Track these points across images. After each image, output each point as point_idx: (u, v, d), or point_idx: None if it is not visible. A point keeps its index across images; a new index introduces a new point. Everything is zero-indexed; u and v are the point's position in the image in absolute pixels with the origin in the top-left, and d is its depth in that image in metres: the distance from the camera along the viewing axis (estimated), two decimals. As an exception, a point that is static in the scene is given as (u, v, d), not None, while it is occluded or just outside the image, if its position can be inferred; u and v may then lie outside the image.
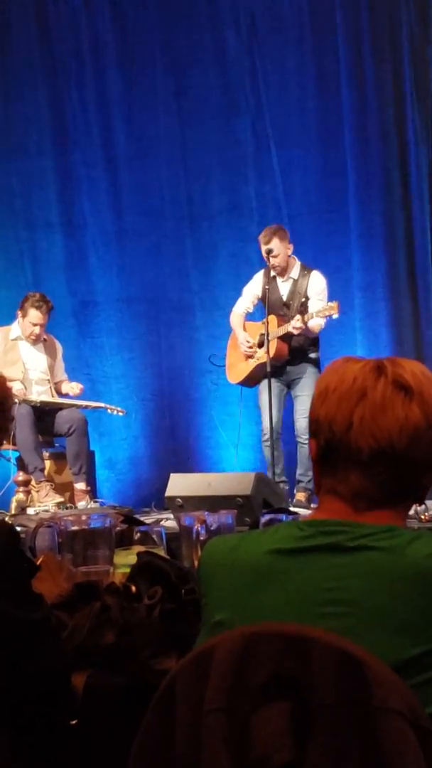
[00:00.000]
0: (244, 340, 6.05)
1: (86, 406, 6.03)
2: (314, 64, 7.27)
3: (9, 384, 1.94)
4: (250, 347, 6.02)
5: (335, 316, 5.70)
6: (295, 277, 5.97)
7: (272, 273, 5.95)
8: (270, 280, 5.94)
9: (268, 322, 5.76)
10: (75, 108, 7.19)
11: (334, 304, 5.68)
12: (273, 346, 5.75)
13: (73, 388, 6.08)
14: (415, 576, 1.26)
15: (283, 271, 5.94)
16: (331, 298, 5.85)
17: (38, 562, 2.11)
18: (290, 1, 7.27)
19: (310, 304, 5.86)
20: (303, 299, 5.91)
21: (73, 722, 1.70)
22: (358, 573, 1.29)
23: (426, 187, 7.19)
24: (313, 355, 5.94)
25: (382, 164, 7.20)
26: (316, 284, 5.94)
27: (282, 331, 5.80)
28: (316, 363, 5.93)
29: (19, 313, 6.01)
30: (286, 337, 5.83)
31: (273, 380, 5.79)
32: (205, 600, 1.41)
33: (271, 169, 7.23)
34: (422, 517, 4.32)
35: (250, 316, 6.20)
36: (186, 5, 7.27)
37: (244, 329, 6.13)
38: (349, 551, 1.31)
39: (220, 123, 7.27)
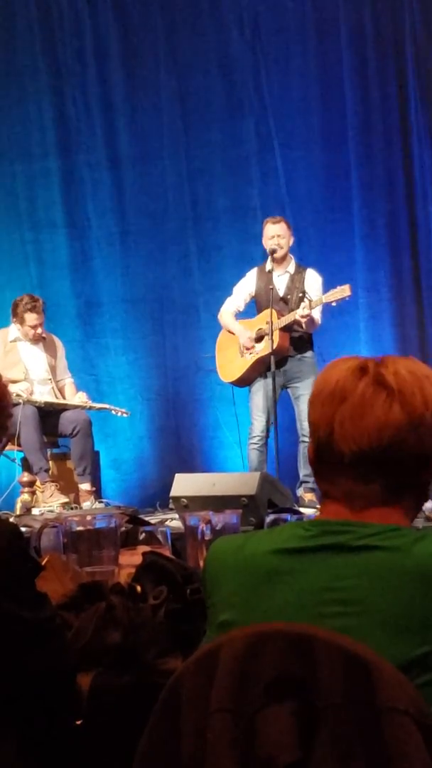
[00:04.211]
0: (246, 336, 6.02)
1: (90, 408, 6.02)
2: (318, 64, 7.28)
3: (5, 382, 1.94)
4: (252, 339, 5.98)
5: (347, 297, 5.69)
6: (292, 272, 5.99)
7: (267, 268, 5.95)
8: (265, 276, 5.95)
9: (272, 316, 5.74)
10: (79, 110, 7.19)
11: (345, 286, 5.68)
12: (275, 338, 5.75)
13: (81, 401, 6.02)
14: (420, 575, 1.26)
15: (281, 261, 5.94)
16: None
17: (43, 563, 2.11)
18: (294, 1, 7.27)
19: (306, 298, 5.87)
20: (300, 294, 5.92)
21: (79, 722, 1.70)
22: (363, 573, 1.28)
23: (430, 187, 7.19)
24: (309, 354, 5.95)
25: (385, 165, 7.20)
26: (314, 281, 5.97)
27: (285, 321, 5.78)
28: (313, 361, 5.93)
29: (14, 320, 5.99)
30: (287, 330, 5.82)
31: (268, 381, 5.80)
32: (211, 600, 1.41)
33: (275, 169, 7.23)
34: (430, 515, 4.30)
35: (239, 315, 6.19)
36: (189, 6, 7.27)
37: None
38: (354, 551, 1.30)
39: (224, 124, 7.28)
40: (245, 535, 1.47)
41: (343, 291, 5.68)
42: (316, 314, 5.83)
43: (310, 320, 5.77)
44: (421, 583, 1.25)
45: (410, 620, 1.24)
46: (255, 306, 6.12)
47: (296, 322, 5.78)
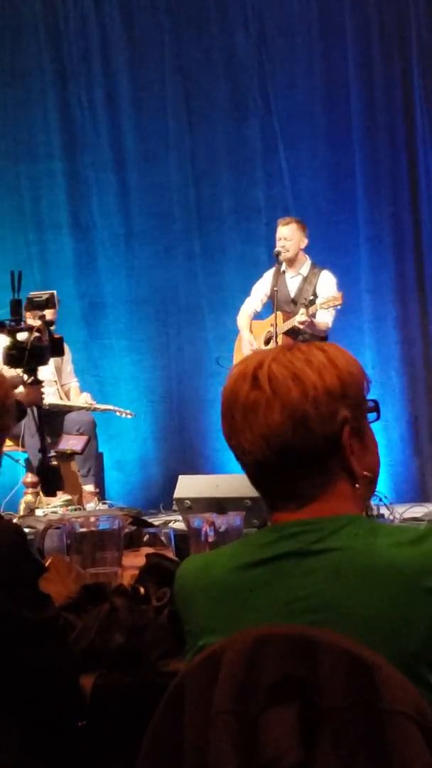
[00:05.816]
0: (248, 342, 6.06)
1: (95, 409, 6.03)
2: (323, 66, 7.28)
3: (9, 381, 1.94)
4: (251, 347, 6.01)
5: (339, 306, 5.72)
6: (305, 274, 6.00)
7: (282, 268, 5.96)
8: (279, 277, 5.95)
9: (276, 318, 5.76)
10: (84, 110, 7.20)
11: (338, 294, 5.70)
12: (279, 341, 5.75)
13: (85, 402, 6.04)
14: (384, 570, 1.23)
15: (291, 262, 5.96)
16: None
17: (47, 564, 2.11)
18: (299, 3, 7.28)
19: (302, 304, 5.88)
20: (312, 297, 5.92)
21: (81, 723, 1.70)
22: (328, 577, 1.25)
23: (435, 189, 7.19)
24: None
25: (390, 166, 7.20)
26: (327, 283, 5.96)
27: (287, 326, 5.79)
28: None
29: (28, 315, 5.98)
30: (291, 333, 5.83)
31: None
32: (188, 627, 1.37)
33: (280, 171, 7.24)
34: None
35: (259, 316, 6.21)
36: (195, 8, 7.28)
37: (251, 329, 6.15)
38: (315, 554, 1.27)
39: (229, 125, 7.29)
40: (206, 555, 1.44)
41: (335, 299, 5.71)
42: (326, 318, 5.81)
43: (311, 324, 5.76)
44: (386, 577, 1.22)
45: (384, 621, 1.21)
46: (271, 307, 6.13)
47: (297, 327, 5.79)
